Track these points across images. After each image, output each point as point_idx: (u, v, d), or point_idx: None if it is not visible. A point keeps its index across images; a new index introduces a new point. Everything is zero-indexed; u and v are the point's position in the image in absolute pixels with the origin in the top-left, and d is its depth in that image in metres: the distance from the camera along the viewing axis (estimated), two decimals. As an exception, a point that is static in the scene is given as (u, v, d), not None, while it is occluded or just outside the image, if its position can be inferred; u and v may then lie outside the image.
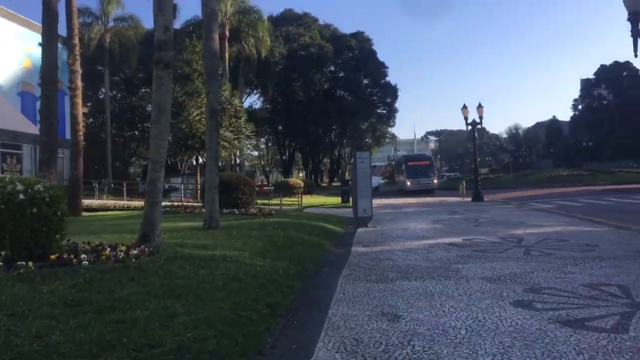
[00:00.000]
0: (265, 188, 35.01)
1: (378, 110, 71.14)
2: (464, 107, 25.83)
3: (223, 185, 15.42)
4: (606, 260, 8.15)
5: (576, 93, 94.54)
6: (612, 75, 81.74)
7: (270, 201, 23.19)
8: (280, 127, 67.46)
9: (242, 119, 26.09)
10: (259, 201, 24.26)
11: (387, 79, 68.17)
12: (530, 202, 24.42)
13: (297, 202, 22.91)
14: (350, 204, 23.99)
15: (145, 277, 5.87)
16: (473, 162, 26.77)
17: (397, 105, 71.02)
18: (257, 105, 65.85)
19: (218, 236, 9.76)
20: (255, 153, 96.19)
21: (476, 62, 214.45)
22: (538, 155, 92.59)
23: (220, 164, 34.79)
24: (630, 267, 7.52)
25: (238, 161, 37.10)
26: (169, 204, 20.61)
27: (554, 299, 5.86)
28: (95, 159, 39.30)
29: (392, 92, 69.36)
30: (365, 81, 68.88)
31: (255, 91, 62.48)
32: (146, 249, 7.03)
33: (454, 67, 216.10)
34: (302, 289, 6.45)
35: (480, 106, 25.49)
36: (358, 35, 66.89)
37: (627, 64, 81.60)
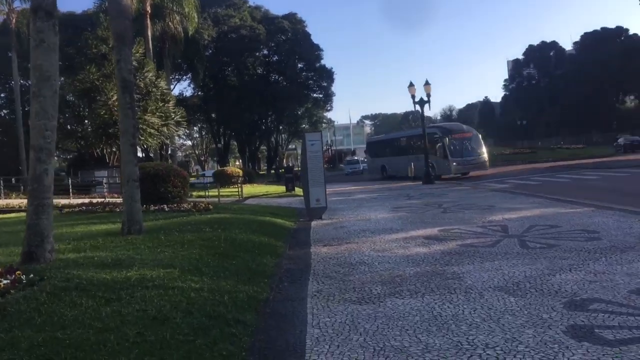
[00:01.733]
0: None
1: (314, 95, 69.29)
2: (411, 85, 24.33)
3: (149, 177, 13.07)
4: (628, 252, 6.63)
5: (505, 74, 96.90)
6: (539, 55, 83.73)
7: (207, 193, 20.80)
8: (213, 115, 64.25)
9: (171, 102, 23.40)
10: (194, 193, 21.81)
11: (323, 62, 66.25)
12: (482, 182, 23.32)
13: (237, 193, 20.64)
14: (296, 192, 22.03)
15: (7, 331, 3.66)
16: (423, 143, 25.38)
17: (334, 89, 69.36)
18: (188, 92, 62.34)
19: (139, 244, 7.51)
20: (189, 142, 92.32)
21: (408, 46, 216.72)
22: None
23: (150, 154, 31.87)
24: (668, 261, 6.01)
25: (170, 151, 34.20)
26: (87, 201, 17.84)
27: (617, 319, 4.16)
28: (11, 155, 35.41)
29: (327, 75, 67.56)
30: (300, 65, 66.74)
31: (185, 77, 58.98)
32: (23, 278, 4.75)
33: (387, 51, 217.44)
34: (261, 328, 4.41)
35: (427, 83, 24.08)
36: (290, 17, 64.49)
37: (554, 44, 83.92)
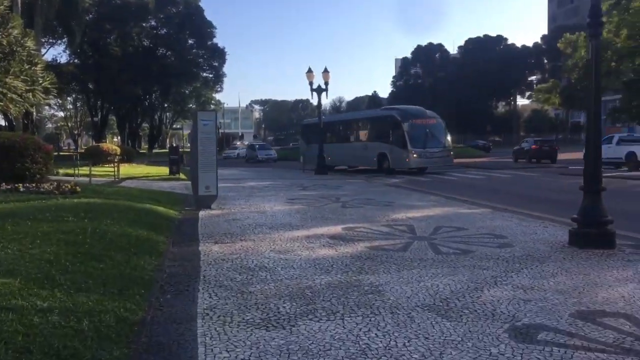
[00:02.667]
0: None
1: (204, 74, 66.43)
2: (309, 71, 23.49)
3: (3, 150, 10.89)
4: (547, 263, 6.23)
5: (393, 72, 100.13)
6: (426, 56, 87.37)
7: (77, 171, 18.39)
8: (91, 86, 59.01)
9: (39, 66, 20.41)
10: (60, 170, 19.24)
11: (215, 40, 63.64)
12: (375, 175, 23.20)
13: (113, 173, 18.46)
14: (181, 175, 20.30)
15: None
16: (319, 133, 24.75)
17: (225, 70, 66.86)
18: (63, 59, 56.56)
19: (-27, 237, 5.80)
20: (62, 114, 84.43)
21: (302, 35, 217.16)
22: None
23: (12, 124, 27.96)
24: (588, 272, 5.63)
25: (35, 120, 30.41)
26: None
27: (576, 356, 3.51)
28: None
29: (219, 55, 65.07)
30: (190, 41, 63.60)
31: (59, 41, 53.38)
32: None
33: (281, 37, 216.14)
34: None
35: (326, 71, 23.39)
36: (183, -11, 60.92)
37: (440, 46, 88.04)
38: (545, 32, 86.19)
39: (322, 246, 7.21)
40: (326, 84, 23.49)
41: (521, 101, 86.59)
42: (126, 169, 22.62)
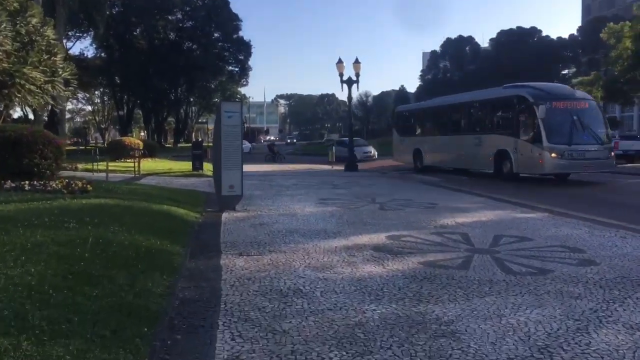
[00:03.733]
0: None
1: (230, 68, 65.58)
2: (339, 62, 22.23)
3: (9, 144, 9.97)
4: (655, 290, 4.93)
5: (420, 67, 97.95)
6: (455, 49, 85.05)
7: (96, 166, 17.54)
8: (117, 79, 58.70)
9: (59, 56, 19.62)
10: (79, 165, 18.41)
11: (241, 34, 62.73)
12: (408, 171, 21.87)
13: (133, 169, 17.55)
14: (204, 171, 19.31)
15: None
16: (348, 125, 23.52)
17: (251, 63, 65.95)
18: (90, 53, 56.40)
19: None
20: (89, 107, 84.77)
21: (328, 29, 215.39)
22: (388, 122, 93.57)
23: (28, 117, 27.36)
24: None
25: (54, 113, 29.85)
26: None
27: None
28: None
29: (245, 48, 64.05)
30: (216, 34, 62.75)
31: (86, 35, 53.05)
32: None
33: (307, 31, 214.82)
34: None
35: (357, 62, 22.08)
36: (209, -20, 60.12)
37: (470, 39, 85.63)
38: (578, 24, 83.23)
39: (367, 261, 6.03)
40: (357, 75, 22.21)
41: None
42: (148, 164, 21.75)
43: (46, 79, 19.23)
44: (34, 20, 19.58)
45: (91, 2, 28.43)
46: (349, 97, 23.27)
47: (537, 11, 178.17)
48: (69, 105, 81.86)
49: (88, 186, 9.40)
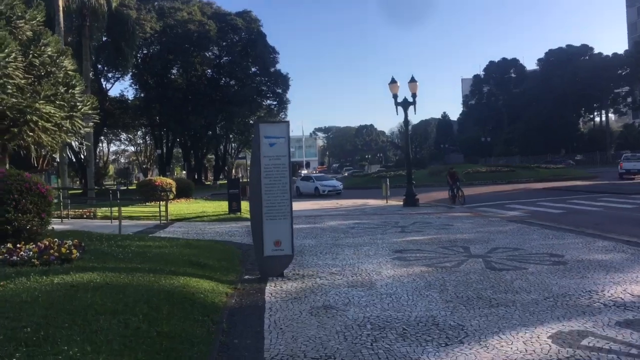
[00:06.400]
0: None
1: (267, 102, 63.82)
2: (393, 82, 19.34)
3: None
4: None
5: (459, 93, 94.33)
6: (499, 72, 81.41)
7: (115, 213, 14.94)
8: (157, 118, 57.60)
9: (77, 89, 17.40)
10: (99, 212, 15.85)
11: (278, 67, 61.05)
12: (478, 206, 18.47)
13: (158, 214, 14.85)
14: (242, 213, 16.43)
15: None
16: (405, 155, 20.46)
17: (288, 96, 64.00)
18: (130, 94, 55.71)
19: None
20: (132, 148, 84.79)
21: (363, 60, 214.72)
22: (437, 150, 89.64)
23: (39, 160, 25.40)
24: None
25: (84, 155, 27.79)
26: None
27: None
28: None
29: (283, 81, 62.23)
30: (253, 68, 61.22)
31: (124, 77, 52.19)
32: None
33: (343, 62, 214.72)
34: None
35: (413, 80, 19.16)
36: (245, 15, 58.98)
37: (515, 61, 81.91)
38: (624, 41, 78.50)
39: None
40: (414, 96, 19.18)
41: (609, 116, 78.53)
42: (179, 207, 19.12)
43: (64, 114, 16.93)
44: (49, 50, 17.41)
45: (118, 30, 26.62)
46: (405, 121, 20.15)
47: (579, 29, 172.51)
48: (113, 147, 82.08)
49: (74, 250, 6.61)
